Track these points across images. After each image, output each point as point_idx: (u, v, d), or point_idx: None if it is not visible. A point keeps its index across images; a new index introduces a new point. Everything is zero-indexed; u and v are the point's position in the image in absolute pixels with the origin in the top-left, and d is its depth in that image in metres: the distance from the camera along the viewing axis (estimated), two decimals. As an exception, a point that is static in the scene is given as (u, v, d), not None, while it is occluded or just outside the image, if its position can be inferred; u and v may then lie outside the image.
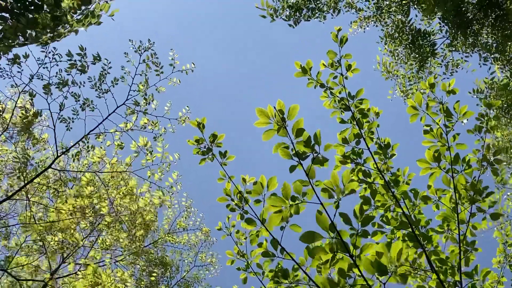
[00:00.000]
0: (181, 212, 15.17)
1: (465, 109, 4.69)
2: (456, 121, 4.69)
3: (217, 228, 4.73)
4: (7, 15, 4.67)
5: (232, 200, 4.37)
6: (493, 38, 10.23)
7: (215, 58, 29.22)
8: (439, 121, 4.70)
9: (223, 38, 30.55)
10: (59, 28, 5.14)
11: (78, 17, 5.31)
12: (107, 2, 5.45)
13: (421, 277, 4.46)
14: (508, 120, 10.51)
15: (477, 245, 4.73)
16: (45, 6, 4.87)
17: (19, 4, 4.66)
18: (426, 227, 4.68)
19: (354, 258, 3.67)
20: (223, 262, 16.33)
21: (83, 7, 5.22)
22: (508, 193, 11.04)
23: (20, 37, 4.90)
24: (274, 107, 3.87)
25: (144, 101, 11.22)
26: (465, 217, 4.60)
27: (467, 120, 4.73)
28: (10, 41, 4.85)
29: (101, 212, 12.47)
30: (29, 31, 4.90)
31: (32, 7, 4.74)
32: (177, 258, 16.03)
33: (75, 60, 9.77)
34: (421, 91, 4.89)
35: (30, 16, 4.78)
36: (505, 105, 10.50)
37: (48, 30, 5.09)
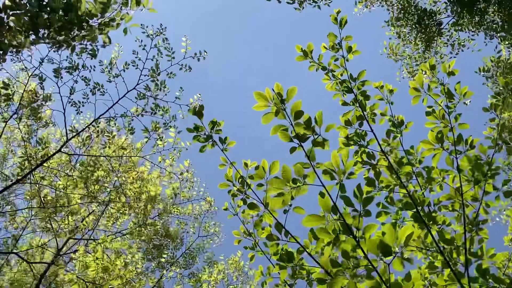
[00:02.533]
0: (184, 182, 15.05)
1: (466, 89, 4.62)
2: (458, 101, 4.63)
3: (223, 208, 4.70)
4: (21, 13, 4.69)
5: (234, 185, 4.34)
6: (499, 16, 10.04)
7: (212, 45, 29.12)
8: (441, 102, 4.64)
9: (222, 25, 30.39)
10: (73, 32, 5.13)
11: (98, 23, 5.32)
12: (127, 13, 5.45)
13: (432, 254, 4.44)
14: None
15: (490, 228, 4.68)
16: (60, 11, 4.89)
17: (33, 1, 4.66)
18: (436, 205, 4.62)
19: (357, 239, 3.65)
20: (225, 231, 16.49)
21: (100, 15, 5.23)
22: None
23: (33, 35, 4.91)
24: (273, 90, 3.82)
25: (155, 86, 11.17)
26: (478, 196, 4.52)
27: (470, 101, 4.67)
28: (23, 38, 4.87)
29: (112, 198, 12.55)
30: (42, 30, 4.91)
31: (48, 8, 4.75)
32: (181, 229, 16.12)
33: (85, 44, 9.73)
34: (423, 72, 4.82)
35: (45, 16, 4.79)
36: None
37: (63, 33, 5.09)
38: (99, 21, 5.30)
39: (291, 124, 3.87)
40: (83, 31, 5.16)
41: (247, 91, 31.64)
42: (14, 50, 4.98)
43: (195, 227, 16.02)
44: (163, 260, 14.82)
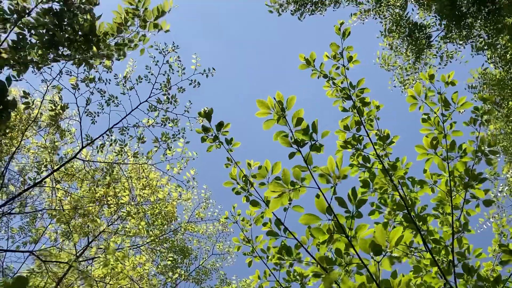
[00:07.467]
0: (200, 203, 15.20)
1: (464, 100, 4.58)
2: (454, 110, 4.59)
3: (224, 217, 4.73)
4: (43, 31, 4.69)
5: (238, 183, 4.30)
6: (485, 31, 10.04)
7: (218, 52, 29.17)
8: (438, 110, 4.60)
9: (227, 33, 30.45)
10: (92, 50, 5.14)
11: (114, 42, 5.34)
12: (145, 36, 5.48)
13: (418, 253, 4.41)
14: (501, 114, 10.37)
15: (476, 237, 4.66)
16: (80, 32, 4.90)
17: (56, 21, 4.68)
18: (421, 212, 4.63)
19: (350, 238, 3.63)
20: (238, 252, 16.40)
21: (116, 34, 5.26)
22: (501, 185, 10.92)
23: (53, 53, 4.92)
24: (274, 98, 3.81)
25: (166, 99, 11.18)
26: (459, 204, 4.51)
27: (464, 110, 4.64)
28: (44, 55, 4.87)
29: (122, 201, 12.49)
30: (62, 48, 4.93)
31: (69, 28, 4.77)
32: (195, 245, 16.09)
33: (103, 60, 9.79)
34: (419, 81, 4.80)
35: (66, 35, 4.81)
36: (498, 100, 10.38)
37: (82, 51, 5.11)
38: (116, 40, 5.33)
39: (291, 131, 3.84)
40: (100, 51, 5.18)
41: (244, 92, 31.66)
42: (35, 66, 4.96)
43: (209, 244, 16.10)
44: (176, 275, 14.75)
